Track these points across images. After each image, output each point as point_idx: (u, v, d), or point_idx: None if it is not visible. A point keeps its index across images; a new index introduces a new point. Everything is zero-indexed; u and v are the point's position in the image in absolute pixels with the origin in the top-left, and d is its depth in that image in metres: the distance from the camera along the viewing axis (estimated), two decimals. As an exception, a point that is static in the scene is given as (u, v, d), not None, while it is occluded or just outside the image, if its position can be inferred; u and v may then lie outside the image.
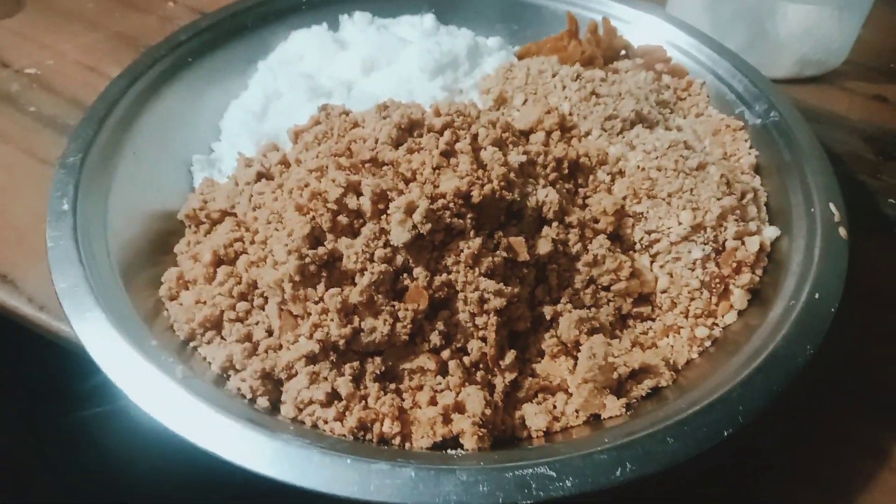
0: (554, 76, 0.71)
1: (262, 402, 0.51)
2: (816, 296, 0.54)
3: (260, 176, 0.62)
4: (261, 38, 0.81)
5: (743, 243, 0.60)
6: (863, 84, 0.92)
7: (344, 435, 0.49)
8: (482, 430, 0.49)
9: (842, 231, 0.58)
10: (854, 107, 0.88)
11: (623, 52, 0.80)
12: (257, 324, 0.55)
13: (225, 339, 0.54)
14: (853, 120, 0.87)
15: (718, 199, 0.60)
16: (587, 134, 0.66)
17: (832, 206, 0.60)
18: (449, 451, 0.49)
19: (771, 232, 0.61)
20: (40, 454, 1.11)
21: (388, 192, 0.52)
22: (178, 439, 0.45)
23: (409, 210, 0.51)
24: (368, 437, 0.50)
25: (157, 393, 0.47)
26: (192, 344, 0.55)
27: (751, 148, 0.70)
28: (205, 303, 0.56)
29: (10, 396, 0.97)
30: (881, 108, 0.88)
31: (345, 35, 0.82)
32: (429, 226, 0.51)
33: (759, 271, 0.60)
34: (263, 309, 0.55)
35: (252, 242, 0.57)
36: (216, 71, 0.78)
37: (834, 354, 0.59)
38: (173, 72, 0.74)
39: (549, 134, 0.64)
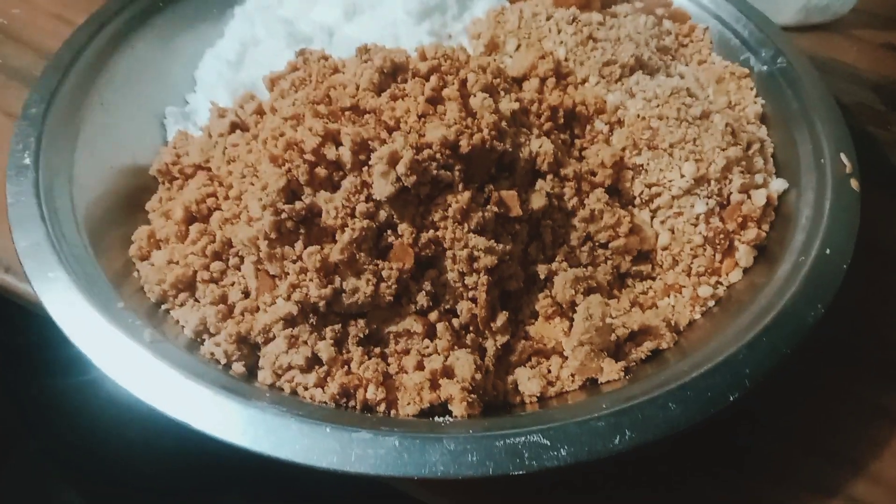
0: (548, 19, 0.66)
1: (238, 367, 0.48)
2: (827, 251, 0.51)
3: (234, 127, 0.58)
4: (237, -19, 0.76)
5: (749, 197, 0.56)
6: (871, 32, 0.88)
7: (325, 402, 0.46)
8: (472, 395, 0.46)
9: (853, 183, 0.55)
10: (862, 56, 0.85)
11: (622, -3, 0.75)
12: (233, 285, 0.51)
13: (199, 301, 0.51)
14: (861, 69, 0.83)
15: (723, 150, 0.57)
16: (584, 81, 0.62)
17: (843, 157, 0.57)
18: (437, 418, 0.46)
19: (778, 185, 0.58)
20: (22, 419, 1.08)
21: (369, 142, 0.49)
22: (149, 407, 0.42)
23: (393, 161, 0.47)
24: (351, 404, 0.47)
25: (123, 358, 0.44)
26: (163, 306, 0.52)
27: (756, 96, 0.66)
28: (177, 263, 0.52)
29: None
30: (890, 57, 0.85)
31: (326, -22, 0.77)
32: (414, 178, 0.47)
33: (765, 226, 0.56)
34: (239, 269, 0.52)
35: (226, 198, 0.54)
36: (190, 17, 0.73)
37: (837, 313, 0.56)
38: (144, 18, 0.69)
39: (543, 81, 0.60)
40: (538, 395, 0.49)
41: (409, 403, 0.47)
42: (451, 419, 0.46)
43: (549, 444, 0.41)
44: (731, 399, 0.43)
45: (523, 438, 0.41)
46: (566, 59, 0.63)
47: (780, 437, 0.52)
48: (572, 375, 0.50)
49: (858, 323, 0.59)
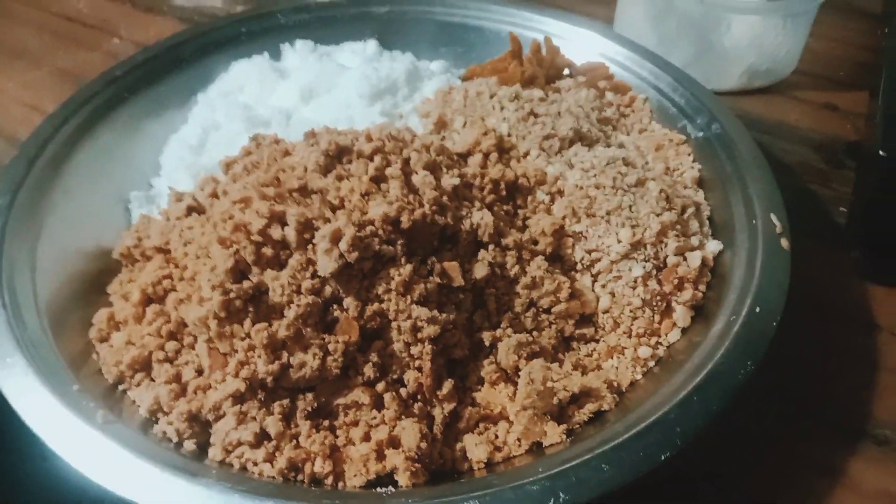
0: (492, 97, 0.70)
1: (189, 445, 0.49)
2: (757, 309, 0.53)
3: (191, 210, 0.61)
4: (201, 70, 0.80)
5: (684, 259, 0.59)
6: (813, 93, 0.92)
7: (273, 477, 0.47)
8: (416, 464, 0.47)
9: (784, 242, 0.57)
10: (804, 116, 0.88)
11: (567, 71, 0.79)
12: (187, 363, 0.53)
13: (154, 381, 0.53)
14: (803, 129, 0.86)
15: (658, 215, 0.59)
16: (526, 154, 0.65)
17: (773, 217, 0.59)
18: (380, 488, 0.47)
19: (713, 246, 0.60)
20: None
21: (313, 221, 0.51)
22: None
23: (335, 238, 0.50)
24: (300, 477, 0.48)
25: (75, 440, 0.45)
26: (121, 387, 0.53)
27: (693, 161, 0.69)
28: (134, 344, 0.54)
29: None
30: (831, 117, 0.88)
31: (286, 64, 0.81)
32: (356, 254, 0.50)
33: (702, 287, 0.58)
34: (193, 348, 0.53)
35: (181, 279, 0.56)
36: (155, 105, 0.76)
37: (781, 369, 0.58)
38: (109, 107, 0.73)
39: (486, 155, 0.63)
40: (486, 460, 0.50)
41: (355, 475, 0.48)
42: (393, 489, 0.47)
43: (485, 509, 0.42)
44: (663, 458, 0.45)
45: (460, 505, 0.42)
46: (509, 135, 0.66)
47: (729, 492, 0.53)
48: (518, 440, 0.51)
49: (804, 377, 0.60)
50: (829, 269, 0.69)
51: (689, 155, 0.69)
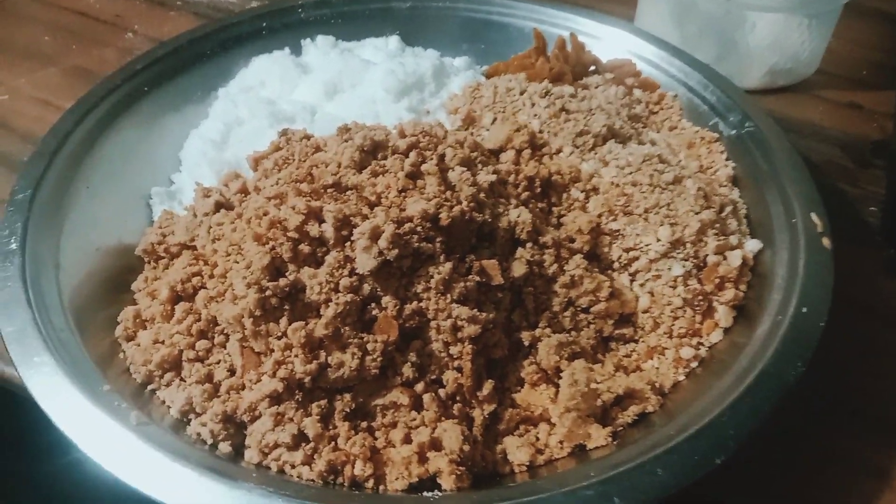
0: (522, 93, 0.69)
1: (225, 447, 0.48)
2: (804, 310, 0.52)
3: (219, 206, 0.59)
4: (221, 65, 0.79)
5: (724, 258, 0.58)
6: (836, 92, 0.91)
7: (312, 480, 0.46)
8: (460, 468, 0.46)
9: (825, 241, 0.56)
10: (828, 115, 0.87)
11: (592, 68, 0.78)
12: (218, 363, 0.51)
13: (184, 381, 0.51)
14: (828, 128, 0.85)
15: (697, 213, 0.58)
16: (559, 151, 0.64)
17: (814, 217, 0.58)
18: (426, 493, 0.46)
19: (753, 245, 0.59)
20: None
21: (351, 218, 0.50)
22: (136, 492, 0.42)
23: (375, 235, 0.48)
24: (339, 480, 0.47)
25: (109, 442, 0.44)
26: (150, 387, 0.52)
27: (727, 160, 0.68)
28: (163, 342, 0.53)
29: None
30: (856, 116, 0.87)
31: (307, 59, 0.80)
32: (396, 251, 0.48)
33: (742, 286, 0.57)
34: (225, 347, 0.52)
35: (211, 276, 0.54)
36: (175, 100, 0.75)
37: (820, 370, 0.57)
38: (129, 102, 0.71)
39: (519, 152, 0.62)
40: (528, 463, 0.49)
41: (397, 478, 0.46)
42: (440, 493, 0.45)
43: (538, 514, 0.41)
44: (718, 462, 0.43)
45: (512, 510, 0.41)
46: (541, 131, 0.65)
47: (768, 494, 0.52)
48: (561, 442, 0.50)
49: (841, 376, 0.59)
50: (861, 268, 0.68)
51: (721, 153, 0.68)
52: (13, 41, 0.97)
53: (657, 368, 0.55)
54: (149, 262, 0.61)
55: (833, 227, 0.59)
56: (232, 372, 0.51)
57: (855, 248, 0.70)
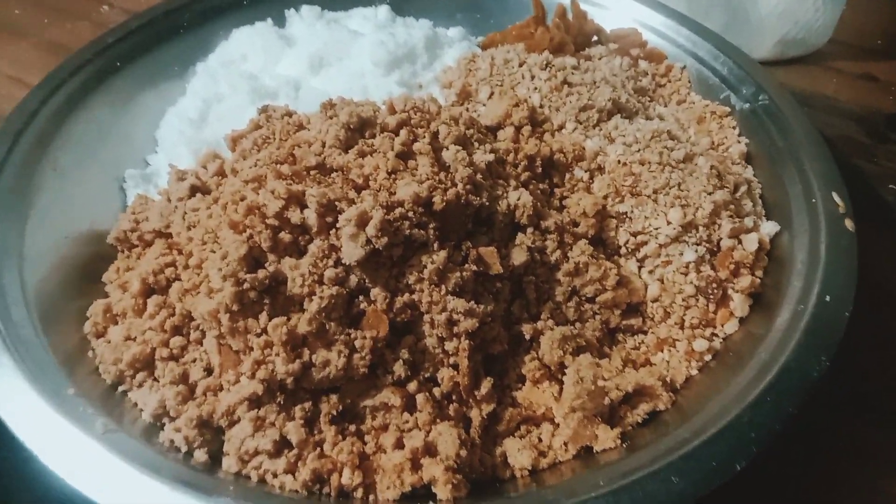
0: (521, 65, 0.64)
1: (200, 455, 0.44)
2: (827, 298, 0.48)
3: (195, 190, 0.55)
4: (199, 38, 0.74)
5: (740, 242, 0.54)
6: (850, 63, 0.87)
7: (296, 490, 0.42)
8: (457, 476, 0.42)
9: (848, 223, 0.53)
10: (842, 87, 0.83)
11: (595, 38, 0.74)
12: (194, 361, 0.48)
13: (158, 381, 0.47)
14: (842, 101, 0.81)
15: (710, 194, 0.54)
16: (560, 127, 0.59)
17: (835, 196, 0.54)
18: (419, 503, 0.42)
19: (770, 227, 0.55)
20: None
21: (336, 203, 0.45)
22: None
23: (362, 222, 0.44)
24: (326, 490, 0.43)
25: (72, 453, 0.40)
26: (120, 388, 0.48)
27: (740, 135, 0.64)
28: (134, 339, 0.49)
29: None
30: (871, 88, 0.83)
31: (292, 31, 0.75)
32: (385, 239, 0.44)
33: (759, 273, 0.53)
34: (201, 344, 0.48)
35: (186, 267, 0.50)
36: (150, 75, 0.70)
37: (838, 358, 0.54)
38: (101, 78, 0.67)
39: (518, 129, 0.57)
40: (530, 467, 0.45)
41: (388, 487, 0.43)
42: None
43: (543, 529, 0.37)
44: (738, 468, 0.40)
45: (515, 524, 0.37)
46: (541, 106, 0.60)
47: (787, 490, 0.48)
48: (565, 444, 0.46)
49: (867, 370, 0.56)
50: (877, 246, 0.64)
51: (733, 128, 0.64)
52: (-18, 14, 0.92)
53: (668, 362, 0.51)
54: (121, 251, 0.57)
55: (852, 208, 0.55)
56: (209, 371, 0.47)
57: (875, 228, 0.66)
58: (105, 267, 0.56)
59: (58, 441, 0.41)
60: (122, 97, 0.68)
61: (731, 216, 0.54)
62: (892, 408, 0.54)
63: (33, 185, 0.57)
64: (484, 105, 0.63)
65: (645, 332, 0.53)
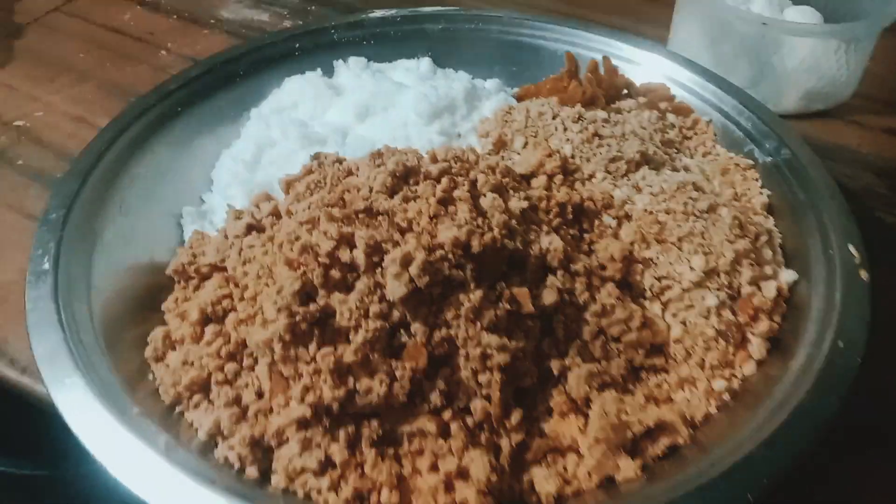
0: (554, 118, 0.68)
1: (252, 471, 0.47)
2: (840, 344, 0.51)
3: (250, 228, 0.60)
4: (253, 86, 0.79)
5: (759, 288, 0.57)
6: (873, 117, 0.90)
7: (339, 507, 0.46)
8: (487, 498, 0.46)
9: (863, 274, 0.55)
10: (865, 141, 0.86)
11: (625, 92, 0.78)
12: (247, 386, 0.51)
13: (212, 403, 0.51)
14: (864, 154, 0.84)
15: (731, 243, 0.57)
16: (591, 177, 0.63)
17: (851, 248, 0.57)
18: (452, 524, 0.45)
19: (788, 276, 0.58)
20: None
21: (382, 244, 0.50)
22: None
23: (406, 262, 0.48)
24: (366, 508, 0.46)
25: (138, 466, 0.44)
26: (178, 408, 0.52)
27: (762, 187, 0.67)
28: (192, 364, 0.53)
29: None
30: (893, 142, 0.86)
31: (340, 81, 0.80)
32: (426, 278, 0.48)
33: (777, 318, 0.56)
34: (253, 370, 0.52)
35: (241, 299, 0.54)
36: (207, 120, 0.76)
37: (863, 399, 0.56)
38: (162, 122, 0.72)
39: (550, 178, 0.61)
40: (555, 494, 0.48)
41: (424, 507, 0.46)
42: (466, 525, 0.45)
43: (567, 551, 0.40)
44: (751, 499, 0.43)
45: (541, 546, 0.40)
46: (573, 156, 0.64)
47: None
48: (589, 474, 0.49)
49: (879, 405, 0.58)
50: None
51: (756, 180, 0.67)
52: (49, 56, 0.99)
53: (688, 400, 0.54)
54: (179, 283, 0.61)
55: (870, 254, 0.58)
56: (260, 395, 0.51)
57: (891, 275, 0.68)
58: (163, 297, 0.60)
59: (126, 455, 0.45)
60: (182, 140, 0.73)
61: (751, 264, 0.57)
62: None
63: (99, 220, 0.62)
64: (518, 154, 0.67)
65: (667, 371, 0.56)
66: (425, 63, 0.82)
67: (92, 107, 0.90)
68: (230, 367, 0.52)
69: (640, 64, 0.79)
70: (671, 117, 0.74)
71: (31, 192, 0.77)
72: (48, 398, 0.57)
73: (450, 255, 0.49)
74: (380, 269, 0.49)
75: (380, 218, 0.53)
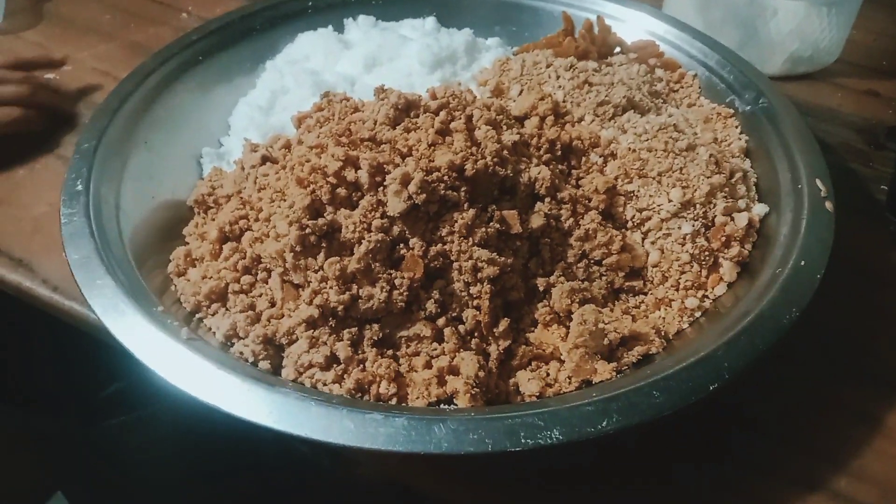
0: (548, 67, 0.73)
1: (264, 365, 0.53)
2: (802, 263, 0.55)
3: (265, 160, 0.65)
4: (269, 40, 0.85)
5: (732, 219, 0.61)
6: (854, 80, 0.94)
7: (342, 395, 0.51)
8: (475, 388, 0.51)
9: (828, 205, 0.60)
10: (846, 101, 0.90)
11: (617, 50, 0.82)
12: (261, 296, 0.57)
13: (229, 310, 0.56)
14: (845, 113, 0.88)
15: (708, 178, 0.62)
16: (580, 119, 0.68)
17: (818, 182, 0.62)
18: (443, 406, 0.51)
19: (760, 209, 0.63)
20: (60, 469, 1.12)
21: (384, 166, 0.55)
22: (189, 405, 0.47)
23: (405, 181, 0.53)
24: (366, 398, 0.52)
25: (162, 353, 0.49)
26: (197, 315, 0.57)
27: (741, 133, 0.71)
28: (211, 277, 0.58)
29: (27, 410, 0.98)
30: (873, 102, 0.90)
31: (349, 36, 0.85)
32: (423, 196, 0.53)
33: (748, 245, 0.61)
34: (267, 282, 0.57)
35: (256, 220, 0.60)
36: (225, 70, 0.81)
37: (825, 328, 0.61)
38: (184, 69, 0.77)
39: (542, 119, 0.66)
40: (537, 394, 0.53)
41: (418, 397, 0.51)
42: (456, 407, 0.50)
43: (543, 424, 0.45)
44: (711, 388, 0.47)
45: (520, 420, 0.45)
46: (564, 101, 0.69)
47: (766, 437, 0.55)
48: (569, 377, 0.54)
49: (845, 337, 0.63)
50: (869, 240, 0.71)
51: (736, 127, 0.72)
52: (77, 19, 1.04)
53: (663, 318, 0.59)
54: (199, 213, 0.66)
55: (845, 203, 0.62)
56: (273, 304, 0.56)
57: (865, 223, 0.73)
58: (182, 228, 0.65)
59: (151, 344, 0.50)
60: (201, 87, 0.78)
61: (725, 197, 0.62)
62: (866, 370, 0.60)
63: (126, 153, 0.67)
64: (514, 100, 0.72)
65: (645, 293, 0.61)
66: (430, 22, 0.87)
67: (116, 63, 0.95)
68: (246, 278, 0.57)
69: (632, 23, 0.84)
70: (659, 72, 0.79)
71: (60, 135, 0.82)
72: (77, 313, 0.63)
73: (445, 177, 0.54)
74: (382, 188, 0.54)
75: (383, 145, 0.58)
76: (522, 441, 0.44)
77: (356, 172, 0.55)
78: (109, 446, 0.99)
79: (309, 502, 1.00)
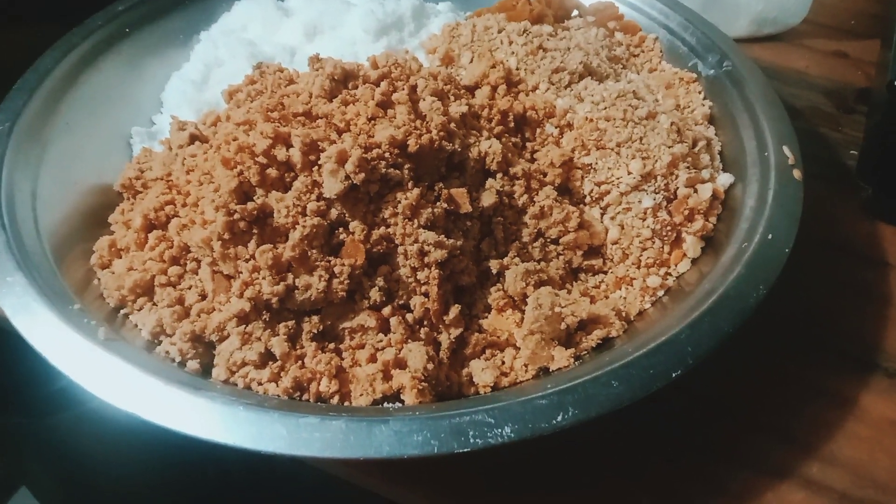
0: (500, 32, 0.69)
1: (192, 365, 0.48)
2: (769, 237, 0.52)
3: (194, 139, 0.60)
4: (204, 10, 0.79)
5: (695, 191, 0.58)
6: (822, 41, 0.91)
7: (278, 395, 0.47)
8: (423, 383, 0.47)
9: (796, 173, 0.57)
10: (813, 63, 0.87)
11: (575, 13, 0.78)
12: (190, 288, 0.52)
13: (156, 305, 0.52)
14: (812, 76, 0.85)
15: (669, 147, 0.58)
16: (535, 88, 0.64)
17: (786, 149, 0.58)
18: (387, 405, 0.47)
19: (725, 179, 0.60)
20: (15, 463, 1.08)
21: (318, 143, 0.50)
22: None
23: (341, 159, 0.49)
24: (305, 397, 0.48)
25: (77, 356, 0.45)
26: (122, 311, 0.53)
27: (704, 99, 0.68)
28: (136, 269, 0.53)
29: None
30: (841, 64, 0.87)
31: (289, 3, 0.80)
32: (362, 175, 0.49)
33: (712, 218, 0.58)
34: (196, 273, 0.53)
35: (184, 205, 0.55)
36: (156, 42, 0.75)
37: (794, 303, 0.58)
38: (110, 43, 0.71)
39: (494, 88, 0.62)
40: (492, 385, 0.50)
41: (361, 395, 0.47)
42: (401, 405, 0.46)
43: (493, 422, 0.41)
44: (674, 376, 0.44)
45: (468, 418, 0.41)
46: (517, 68, 0.65)
47: (732, 420, 0.53)
48: (525, 365, 0.50)
49: (815, 310, 0.60)
50: (839, 208, 0.68)
51: (699, 93, 0.68)
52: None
53: (624, 298, 0.55)
54: (127, 198, 0.61)
55: (813, 170, 0.59)
56: (203, 297, 0.52)
57: (835, 190, 0.70)
58: (110, 214, 0.61)
59: (65, 346, 0.45)
60: (130, 61, 0.72)
61: (688, 168, 0.58)
62: (838, 348, 0.58)
63: (46, 135, 0.62)
64: (465, 69, 0.67)
65: (605, 272, 0.57)
66: (377, -14, 0.82)
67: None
68: (173, 270, 0.52)
69: (591, -15, 0.80)
70: (619, 36, 0.75)
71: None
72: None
73: (386, 154, 0.50)
74: (317, 168, 0.50)
75: (318, 120, 0.53)
76: (471, 441, 0.41)
77: (288, 151, 0.50)
78: (64, 439, 0.96)
79: (270, 488, 0.97)
